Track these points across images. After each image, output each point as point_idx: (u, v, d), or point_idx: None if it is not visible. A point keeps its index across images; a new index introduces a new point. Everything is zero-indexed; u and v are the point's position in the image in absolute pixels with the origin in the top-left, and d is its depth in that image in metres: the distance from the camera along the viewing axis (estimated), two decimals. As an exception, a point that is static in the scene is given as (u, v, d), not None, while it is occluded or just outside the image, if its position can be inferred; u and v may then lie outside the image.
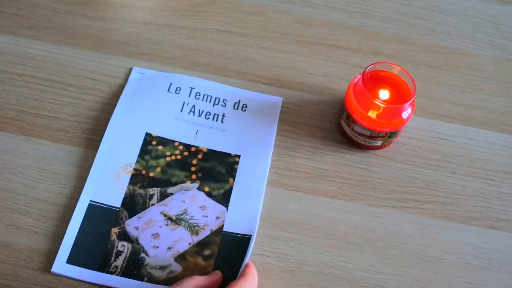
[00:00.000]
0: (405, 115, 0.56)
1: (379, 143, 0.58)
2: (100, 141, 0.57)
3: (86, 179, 0.54)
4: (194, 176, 0.56)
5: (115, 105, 0.60)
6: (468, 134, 0.62)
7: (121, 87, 0.62)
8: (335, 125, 0.61)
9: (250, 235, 0.52)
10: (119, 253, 0.51)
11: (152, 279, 0.50)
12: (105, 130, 0.58)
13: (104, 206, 0.54)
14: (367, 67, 0.56)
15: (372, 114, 0.55)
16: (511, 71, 0.68)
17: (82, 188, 0.54)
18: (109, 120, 0.59)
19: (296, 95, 0.63)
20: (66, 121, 0.59)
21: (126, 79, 0.62)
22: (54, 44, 0.65)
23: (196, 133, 0.59)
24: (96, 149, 0.57)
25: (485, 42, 0.71)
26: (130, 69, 0.63)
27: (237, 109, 0.62)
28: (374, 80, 0.57)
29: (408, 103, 0.54)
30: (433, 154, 0.60)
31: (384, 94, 0.56)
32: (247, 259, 0.51)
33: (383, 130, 0.56)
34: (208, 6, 0.70)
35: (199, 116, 0.61)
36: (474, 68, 0.68)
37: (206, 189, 0.56)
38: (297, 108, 0.62)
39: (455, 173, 0.59)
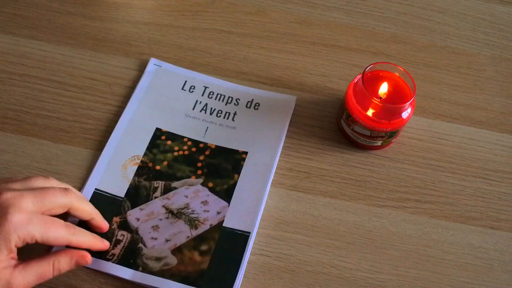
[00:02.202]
0: (405, 115, 0.56)
1: (379, 143, 0.58)
2: (100, 141, 0.57)
3: (86, 179, 0.55)
4: (199, 172, 0.56)
5: (115, 105, 0.60)
6: (468, 134, 0.62)
7: (121, 86, 0.62)
8: (335, 125, 0.61)
9: (249, 232, 0.52)
10: (118, 241, 0.51)
11: (146, 269, 0.50)
12: (105, 130, 0.58)
13: (108, 195, 0.54)
14: (367, 67, 0.56)
15: (372, 114, 0.55)
16: (511, 71, 0.68)
17: (82, 188, 0.54)
18: (109, 120, 0.59)
19: (296, 95, 0.63)
20: (66, 121, 0.59)
21: (125, 79, 0.62)
22: (54, 44, 0.65)
23: (206, 130, 0.59)
24: (96, 149, 0.57)
25: (485, 42, 0.71)
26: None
27: (250, 107, 0.61)
28: (374, 80, 0.57)
29: (408, 103, 0.54)
30: (433, 154, 0.60)
31: (384, 94, 0.56)
32: (246, 258, 0.51)
33: (383, 130, 0.56)
34: (208, 6, 0.70)
35: (211, 114, 0.61)
36: (474, 68, 0.68)
37: (210, 184, 0.56)
38: (297, 108, 0.62)
39: (455, 173, 0.59)
